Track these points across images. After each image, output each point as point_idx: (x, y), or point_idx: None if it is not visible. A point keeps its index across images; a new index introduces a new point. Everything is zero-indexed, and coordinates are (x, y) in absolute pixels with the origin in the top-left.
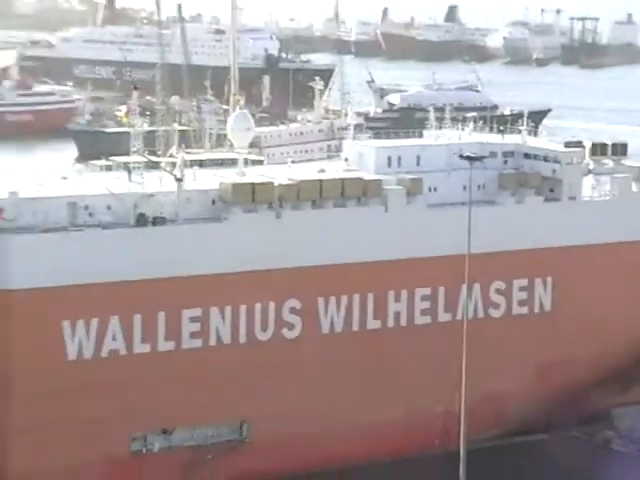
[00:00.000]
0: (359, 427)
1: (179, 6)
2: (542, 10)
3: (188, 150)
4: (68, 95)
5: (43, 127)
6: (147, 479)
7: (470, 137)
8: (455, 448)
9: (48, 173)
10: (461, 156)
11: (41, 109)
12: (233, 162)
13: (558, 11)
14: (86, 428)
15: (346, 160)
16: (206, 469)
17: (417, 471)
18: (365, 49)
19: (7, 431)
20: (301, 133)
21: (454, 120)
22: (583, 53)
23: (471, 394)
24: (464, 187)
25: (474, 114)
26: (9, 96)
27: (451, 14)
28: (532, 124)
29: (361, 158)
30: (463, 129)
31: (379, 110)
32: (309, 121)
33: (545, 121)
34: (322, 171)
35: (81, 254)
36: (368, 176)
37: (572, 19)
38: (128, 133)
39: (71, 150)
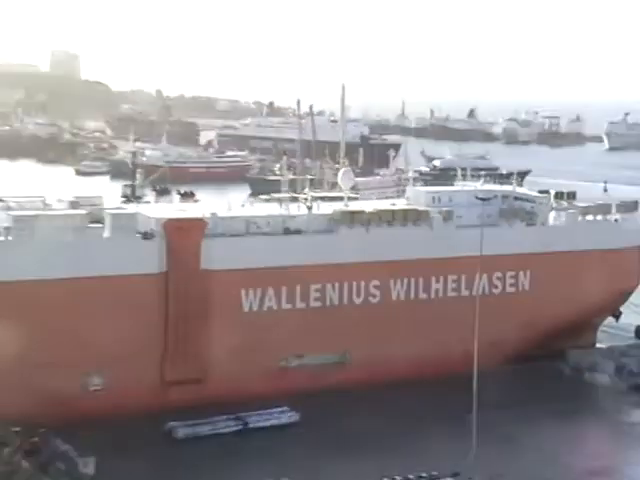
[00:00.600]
0: (413, 356)
1: (310, 106)
2: (526, 111)
3: (314, 191)
4: (246, 157)
5: (231, 177)
6: (288, 383)
7: (482, 186)
8: (471, 371)
9: (233, 202)
10: (477, 197)
11: (230, 165)
12: (341, 198)
13: (536, 112)
14: (253, 351)
15: (407, 199)
16: (323, 378)
17: (447, 384)
18: (420, 133)
19: (210, 350)
20: (381, 182)
21: (472, 176)
22: (550, 138)
23: (481, 339)
24: (478, 216)
25: (484, 173)
26: (212, 158)
27: (471, 113)
28: (519, 179)
29: (417, 198)
30: (478, 181)
31: (427, 169)
32: (386, 175)
33: (527, 178)
34: (393, 205)
35: (251, 250)
36: (421, 208)
37: (544, 117)
38: (280, 181)
39: (246, 190)
